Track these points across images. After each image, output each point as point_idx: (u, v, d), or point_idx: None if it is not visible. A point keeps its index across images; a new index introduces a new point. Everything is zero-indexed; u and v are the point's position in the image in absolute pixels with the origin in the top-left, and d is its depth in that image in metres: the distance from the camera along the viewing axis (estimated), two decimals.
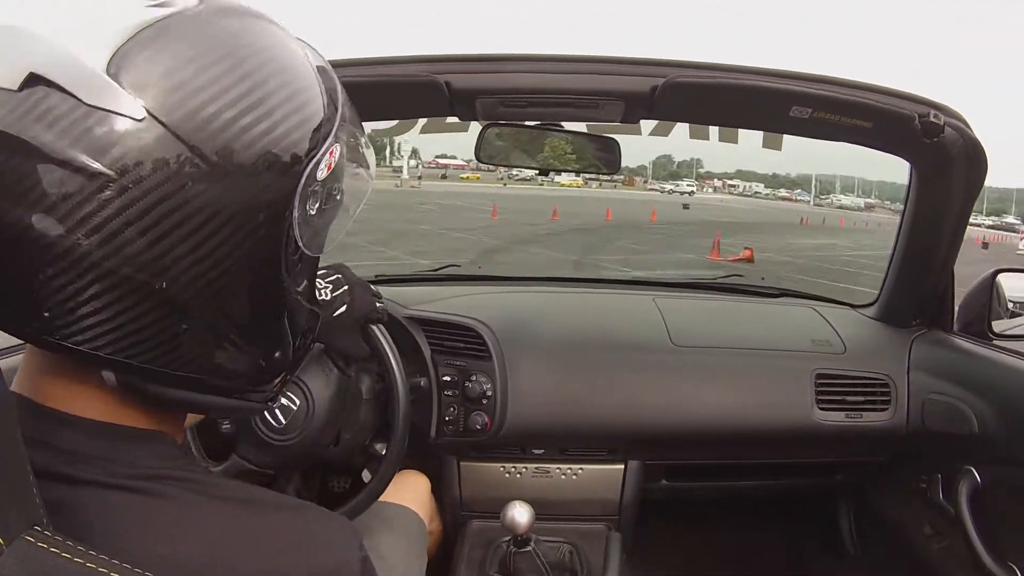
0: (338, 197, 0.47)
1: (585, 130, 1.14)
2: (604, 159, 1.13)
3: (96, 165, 0.37)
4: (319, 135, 0.43)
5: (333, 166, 0.45)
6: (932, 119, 0.98)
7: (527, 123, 1.11)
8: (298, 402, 0.97)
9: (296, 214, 0.42)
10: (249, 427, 0.92)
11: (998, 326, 1.22)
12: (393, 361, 1.05)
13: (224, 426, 0.94)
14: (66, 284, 0.38)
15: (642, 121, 1.10)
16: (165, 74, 0.38)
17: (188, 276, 0.39)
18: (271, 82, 0.41)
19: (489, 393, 1.21)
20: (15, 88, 0.37)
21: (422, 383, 1.18)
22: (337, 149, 0.45)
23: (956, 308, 1.28)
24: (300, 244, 0.44)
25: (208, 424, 0.95)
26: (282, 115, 0.41)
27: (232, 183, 0.39)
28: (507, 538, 1.15)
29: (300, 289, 0.47)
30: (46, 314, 0.39)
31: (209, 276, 0.40)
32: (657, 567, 1.45)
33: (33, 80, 0.37)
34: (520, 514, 1.05)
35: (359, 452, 1.05)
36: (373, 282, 1.53)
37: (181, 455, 0.47)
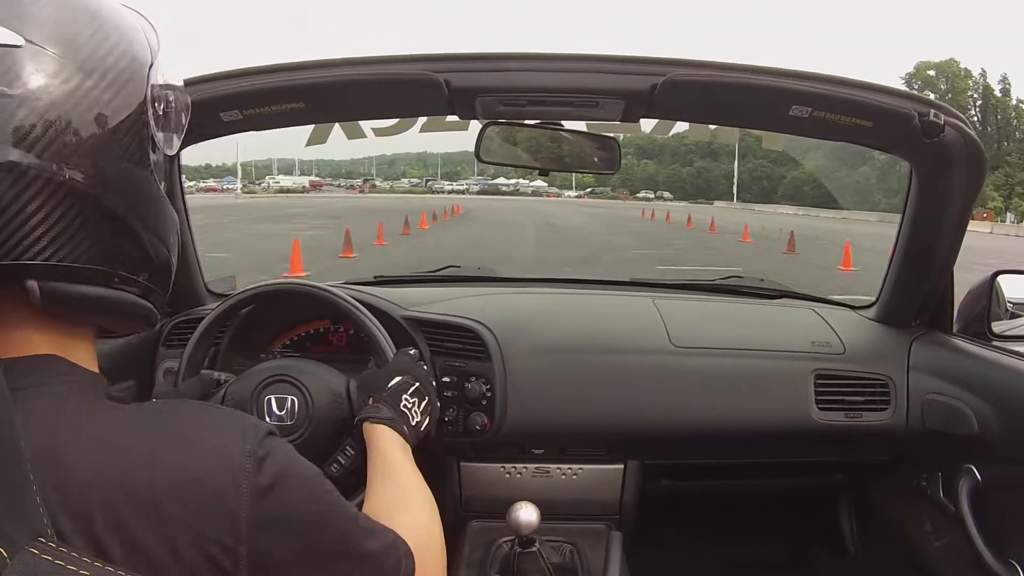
0: (172, 106, 0.56)
1: (585, 129, 1.14)
2: (603, 158, 1.13)
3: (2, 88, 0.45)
4: (150, 53, 0.55)
5: (163, 81, 0.55)
6: (932, 118, 0.98)
7: (527, 122, 1.10)
8: (299, 409, 0.97)
9: (151, 110, 0.53)
10: None
11: (997, 327, 1.22)
12: None
13: None
14: None
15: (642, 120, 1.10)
16: (33, 9, 0.48)
17: (89, 165, 0.48)
18: (114, 19, 0.53)
19: (488, 394, 1.21)
20: None
21: None
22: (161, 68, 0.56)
23: (955, 309, 1.28)
24: (157, 140, 0.54)
25: None
26: (128, 39, 0.53)
27: (104, 89, 0.49)
28: (508, 538, 1.14)
29: (163, 188, 0.56)
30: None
31: (102, 164, 0.49)
32: (657, 566, 1.44)
33: None
34: (527, 514, 1.05)
35: (358, 450, 1.05)
36: (371, 283, 1.53)
37: (83, 369, 0.52)
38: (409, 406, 0.91)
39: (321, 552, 0.52)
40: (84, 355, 0.53)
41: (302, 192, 41.04)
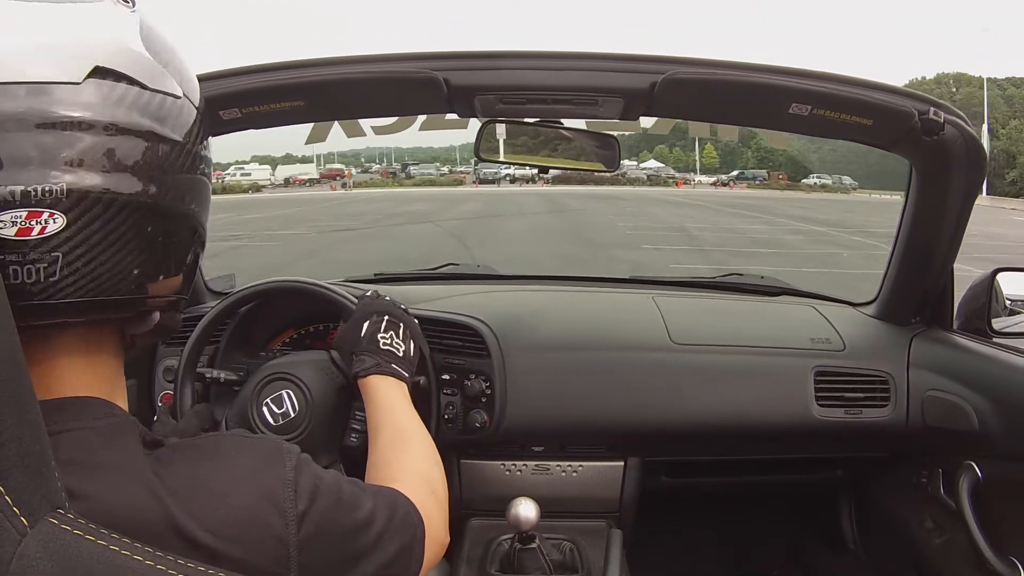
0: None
1: (585, 127, 1.13)
2: (603, 156, 1.13)
3: (173, 135, 0.48)
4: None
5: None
6: (932, 117, 0.98)
7: (527, 120, 1.10)
8: (297, 399, 0.98)
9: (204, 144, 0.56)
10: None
11: (997, 324, 1.22)
12: None
13: None
14: (157, 236, 0.47)
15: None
16: (168, 61, 0.50)
17: (206, 204, 0.53)
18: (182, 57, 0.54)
19: (488, 391, 1.21)
20: (79, 81, 0.43)
21: (421, 381, 1.17)
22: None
23: (955, 306, 1.28)
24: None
25: None
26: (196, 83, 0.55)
27: (203, 129, 0.53)
28: (508, 536, 1.15)
29: None
30: (136, 272, 0.47)
31: (209, 199, 0.54)
32: (658, 564, 1.45)
33: (99, 72, 0.44)
34: (526, 510, 1.05)
35: (360, 451, 1.06)
36: (372, 281, 1.53)
37: (120, 410, 0.51)
38: (388, 342, 0.90)
39: (355, 550, 0.54)
40: (120, 393, 0.53)
41: (246, 193, 32.86)
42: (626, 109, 1.03)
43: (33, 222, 0.42)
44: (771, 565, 1.66)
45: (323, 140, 1.22)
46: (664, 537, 1.59)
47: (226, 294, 1.16)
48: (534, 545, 1.09)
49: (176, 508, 0.44)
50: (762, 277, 1.69)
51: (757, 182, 38.12)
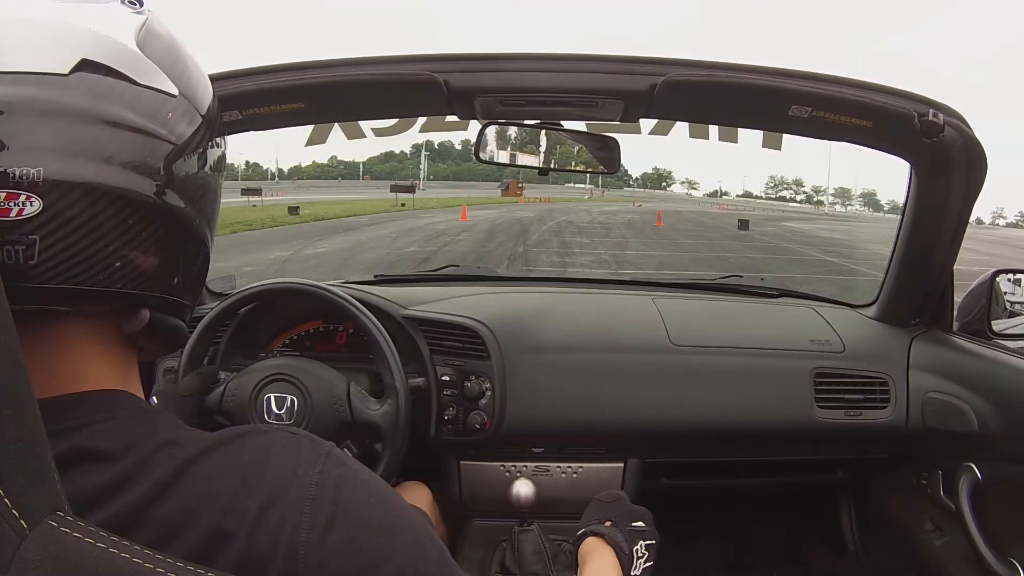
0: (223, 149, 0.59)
1: (585, 129, 1.14)
2: (604, 158, 1.13)
3: (163, 132, 0.47)
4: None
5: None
6: (932, 118, 0.98)
7: (527, 122, 1.10)
8: (296, 400, 0.99)
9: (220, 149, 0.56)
10: None
11: (997, 326, 1.23)
12: (392, 361, 1.05)
13: None
14: (141, 231, 0.46)
15: (642, 120, 1.10)
16: (172, 62, 0.50)
17: (210, 207, 0.52)
18: (194, 61, 0.54)
19: (488, 393, 1.21)
20: (65, 72, 0.44)
21: (421, 383, 1.18)
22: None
23: (955, 308, 1.28)
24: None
25: None
26: (208, 87, 0.55)
27: (210, 131, 0.52)
28: (506, 539, 1.15)
29: None
30: (117, 264, 0.45)
31: (216, 203, 0.54)
32: (658, 564, 1.44)
33: (86, 65, 0.44)
34: (526, 487, 1.11)
35: (359, 452, 1.06)
36: (372, 283, 1.53)
37: (143, 401, 0.51)
38: (639, 556, 0.88)
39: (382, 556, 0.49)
40: (137, 386, 0.52)
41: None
42: (626, 111, 1.03)
43: (11, 203, 0.42)
44: (771, 566, 1.66)
45: (323, 142, 1.22)
46: (664, 539, 1.59)
47: (226, 295, 1.17)
48: (532, 528, 1.10)
49: (205, 499, 0.44)
50: (762, 279, 1.70)
51: None
